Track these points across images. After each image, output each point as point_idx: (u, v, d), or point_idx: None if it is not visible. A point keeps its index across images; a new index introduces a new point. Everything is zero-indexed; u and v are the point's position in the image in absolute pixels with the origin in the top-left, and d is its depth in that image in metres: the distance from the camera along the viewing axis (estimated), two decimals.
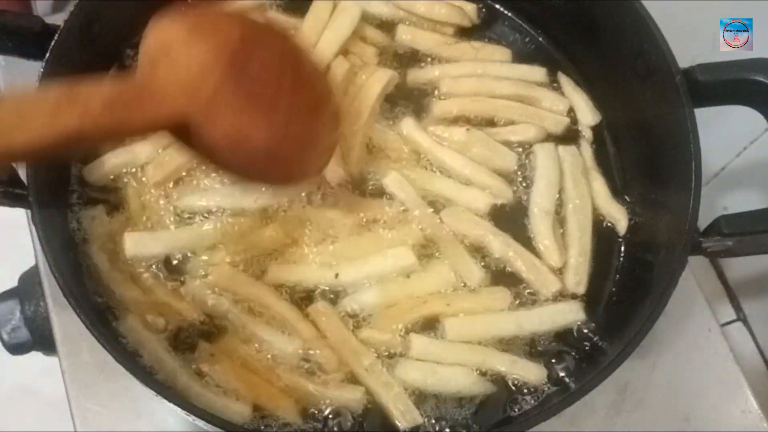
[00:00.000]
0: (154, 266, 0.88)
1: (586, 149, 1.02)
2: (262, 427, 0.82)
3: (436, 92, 1.03)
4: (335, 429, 0.83)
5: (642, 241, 0.95)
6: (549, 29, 1.10)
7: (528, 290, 0.92)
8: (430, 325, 0.89)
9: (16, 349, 1.03)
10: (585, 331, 0.91)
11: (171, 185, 0.92)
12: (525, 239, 0.95)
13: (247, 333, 0.85)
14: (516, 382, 0.87)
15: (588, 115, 1.04)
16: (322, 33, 1.01)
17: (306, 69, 0.77)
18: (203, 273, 0.88)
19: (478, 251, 0.93)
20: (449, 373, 0.85)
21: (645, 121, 0.97)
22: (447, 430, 0.84)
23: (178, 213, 0.91)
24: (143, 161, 0.92)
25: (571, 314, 0.90)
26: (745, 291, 1.24)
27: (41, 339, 1.00)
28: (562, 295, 0.92)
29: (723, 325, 1.13)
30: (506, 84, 1.03)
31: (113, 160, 0.92)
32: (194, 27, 0.68)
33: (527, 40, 1.11)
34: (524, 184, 0.98)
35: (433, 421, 0.85)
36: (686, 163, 0.85)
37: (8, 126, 0.57)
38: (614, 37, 0.98)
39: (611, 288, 0.95)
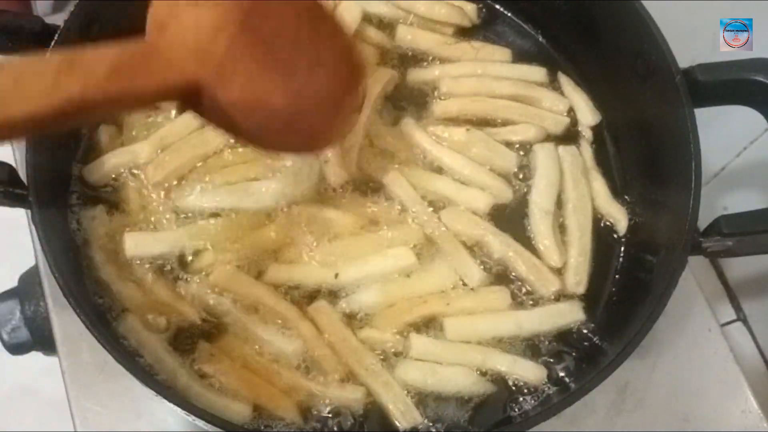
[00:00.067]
0: (154, 266, 0.88)
1: (586, 149, 1.02)
2: (262, 427, 0.82)
3: (436, 92, 1.03)
4: (335, 429, 0.83)
5: (642, 241, 0.95)
6: (549, 29, 1.10)
7: (528, 290, 0.92)
8: (430, 325, 0.89)
9: (16, 349, 1.03)
10: (585, 331, 0.91)
11: (171, 185, 0.92)
12: (525, 239, 0.95)
13: (247, 333, 0.85)
14: (516, 382, 0.87)
15: (588, 115, 1.04)
16: None
17: (325, 25, 0.72)
18: (203, 273, 0.88)
19: (478, 251, 0.93)
20: (449, 373, 0.86)
21: (645, 121, 0.97)
22: (447, 430, 0.84)
23: (178, 213, 0.91)
24: (143, 161, 0.92)
25: (571, 314, 0.90)
26: (745, 291, 1.24)
27: (41, 339, 1.00)
28: (562, 295, 0.92)
29: (723, 325, 1.13)
30: (506, 84, 1.03)
31: (113, 160, 0.92)
32: None
33: (527, 40, 1.11)
34: (524, 185, 0.98)
35: (433, 421, 0.85)
36: (686, 163, 0.85)
37: (6, 95, 0.54)
38: (614, 37, 0.98)
39: (611, 288, 0.95)
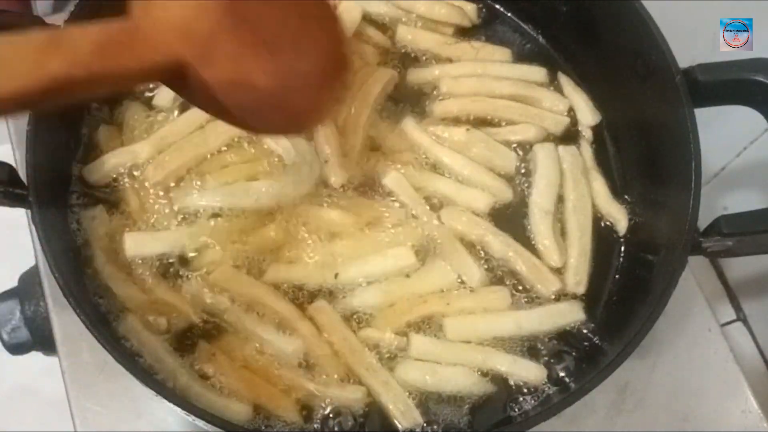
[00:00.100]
0: (154, 266, 0.88)
1: (586, 149, 1.02)
2: (263, 428, 0.82)
3: (436, 92, 1.03)
4: (335, 429, 0.83)
5: (642, 241, 0.95)
6: (549, 29, 1.10)
7: (528, 290, 0.92)
8: (430, 325, 0.89)
9: (16, 349, 1.02)
10: (585, 331, 0.91)
11: (171, 185, 0.92)
12: (525, 239, 0.95)
13: (248, 333, 0.85)
14: (516, 382, 0.87)
15: (588, 115, 1.04)
16: None
17: (311, 5, 0.72)
18: (203, 273, 0.88)
19: (478, 251, 0.93)
20: (449, 373, 0.86)
21: (645, 121, 0.97)
22: (447, 429, 0.84)
23: (178, 213, 0.91)
24: (143, 161, 0.92)
25: (571, 314, 0.90)
26: (745, 291, 1.24)
27: (41, 339, 1.00)
28: (562, 295, 0.92)
29: (723, 325, 1.13)
30: (506, 84, 1.03)
31: (113, 160, 0.92)
32: None
33: (527, 40, 1.11)
34: (524, 184, 0.98)
35: (433, 421, 0.85)
36: (686, 163, 0.85)
37: None
38: (614, 37, 0.98)
39: (611, 288, 0.95)
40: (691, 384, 1.02)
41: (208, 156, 0.94)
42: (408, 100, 1.03)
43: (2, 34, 0.56)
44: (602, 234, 0.97)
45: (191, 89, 0.65)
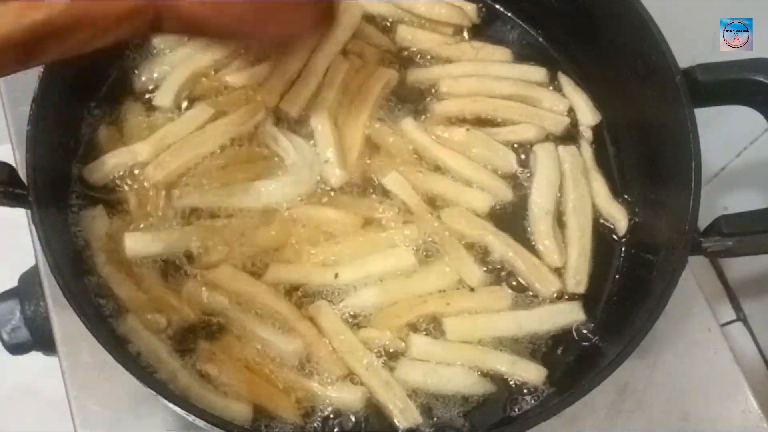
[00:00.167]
0: (154, 266, 0.88)
1: (586, 149, 1.02)
2: (263, 428, 0.82)
3: (436, 92, 1.03)
4: (335, 429, 0.83)
5: (642, 241, 0.95)
6: (549, 29, 1.10)
7: (528, 290, 0.92)
8: (430, 325, 0.89)
9: (16, 349, 1.02)
10: (585, 331, 0.91)
11: (171, 185, 0.92)
12: (525, 239, 0.95)
13: (248, 333, 0.85)
14: (516, 382, 0.87)
15: (588, 115, 1.04)
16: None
17: None
18: (203, 272, 0.88)
19: (478, 251, 0.93)
20: (449, 373, 0.86)
21: (645, 121, 0.97)
22: (446, 429, 0.84)
23: (178, 213, 0.91)
24: (143, 161, 0.92)
25: (571, 314, 0.90)
26: (745, 291, 1.24)
27: (41, 339, 1.00)
28: (562, 295, 0.92)
29: (723, 325, 1.13)
30: (506, 84, 1.03)
31: (113, 160, 0.92)
32: None
33: (527, 40, 1.11)
34: (524, 185, 0.98)
35: (433, 421, 0.85)
36: (686, 163, 0.85)
37: None
38: (614, 37, 0.98)
39: (611, 288, 0.95)
40: (691, 384, 1.02)
41: (208, 156, 0.94)
42: (408, 100, 1.03)
43: None
44: (602, 234, 0.97)
45: (174, 21, 0.69)
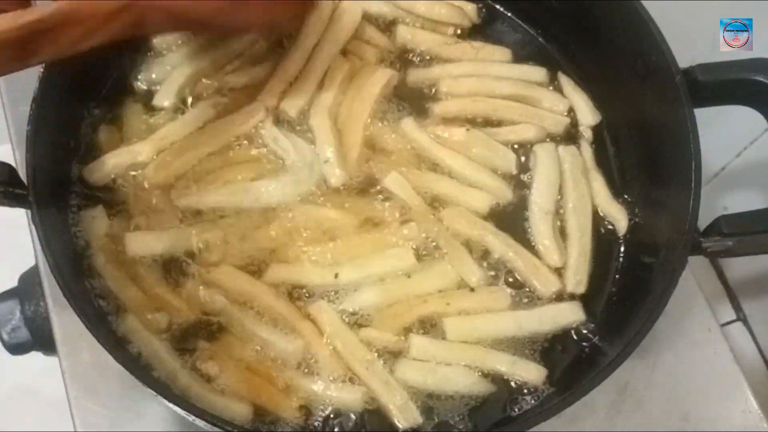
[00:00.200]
0: (154, 266, 0.88)
1: (586, 149, 1.02)
2: (263, 428, 0.82)
3: (435, 92, 1.03)
4: (336, 429, 0.83)
5: (642, 241, 0.95)
6: (549, 29, 1.10)
7: (528, 290, 0.92)
8: (430, 325, 0.89)
9: (16, 349, 1.02)
10: (585, 331, 0.91)
11: (171, 185, 0.92)
12: (525, 239, 0.95)
13: (248, 333, 0.86)
14: (516, 382, 0.87)
15: (588, 115, 1.04)
16: (323, 33, 1.01)
17: None
18: (204, 272, 0.88)
19: (478, 251, 0.93)
20: (449, 373, 0.86)
21: (645, 121, 0.97)
22: (447, 430, 0.84)
23: (178, 213, 0.91)
24: (143, 161, 0.92)
25: (571, 314, 0.90)
26: (745, 291, 1.24)
27: (41, 339, 1.00)
28: (562, 295, 0.92)
29: (723, 325, 1.13)
30: (506, 84, 1.03)
31: (113, 160, 0.92)
32: None
33: (527, 40, 1.11)
34: (524, 184, 0.98)
35: (433, 421, 0.85)
36: (686, 163, 0.85)
37: None
38: (614, 37, 0.98)
39: (611, 288, 0.95)
40: (691, 384, 1.02)
41: (208, 156, 0.94)
42: (408, 100, 1.03)
43: None
44: (602, 234, 0.97)
45: (155, 18, 0.74)
